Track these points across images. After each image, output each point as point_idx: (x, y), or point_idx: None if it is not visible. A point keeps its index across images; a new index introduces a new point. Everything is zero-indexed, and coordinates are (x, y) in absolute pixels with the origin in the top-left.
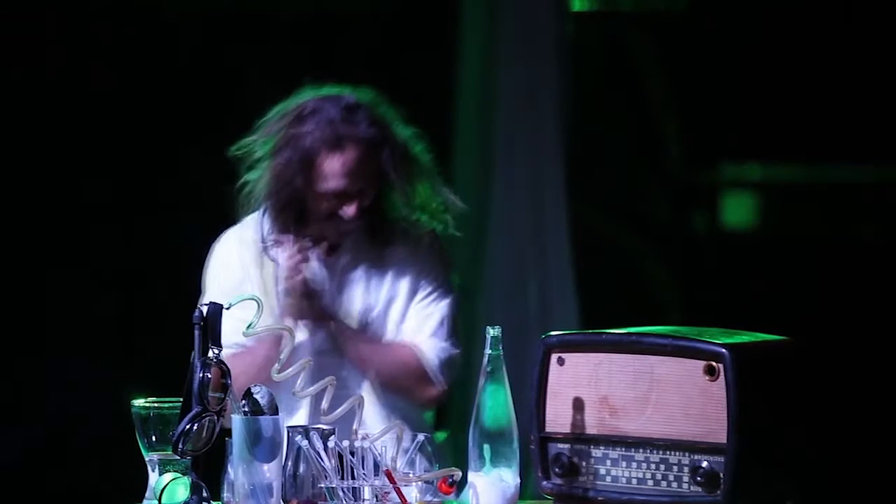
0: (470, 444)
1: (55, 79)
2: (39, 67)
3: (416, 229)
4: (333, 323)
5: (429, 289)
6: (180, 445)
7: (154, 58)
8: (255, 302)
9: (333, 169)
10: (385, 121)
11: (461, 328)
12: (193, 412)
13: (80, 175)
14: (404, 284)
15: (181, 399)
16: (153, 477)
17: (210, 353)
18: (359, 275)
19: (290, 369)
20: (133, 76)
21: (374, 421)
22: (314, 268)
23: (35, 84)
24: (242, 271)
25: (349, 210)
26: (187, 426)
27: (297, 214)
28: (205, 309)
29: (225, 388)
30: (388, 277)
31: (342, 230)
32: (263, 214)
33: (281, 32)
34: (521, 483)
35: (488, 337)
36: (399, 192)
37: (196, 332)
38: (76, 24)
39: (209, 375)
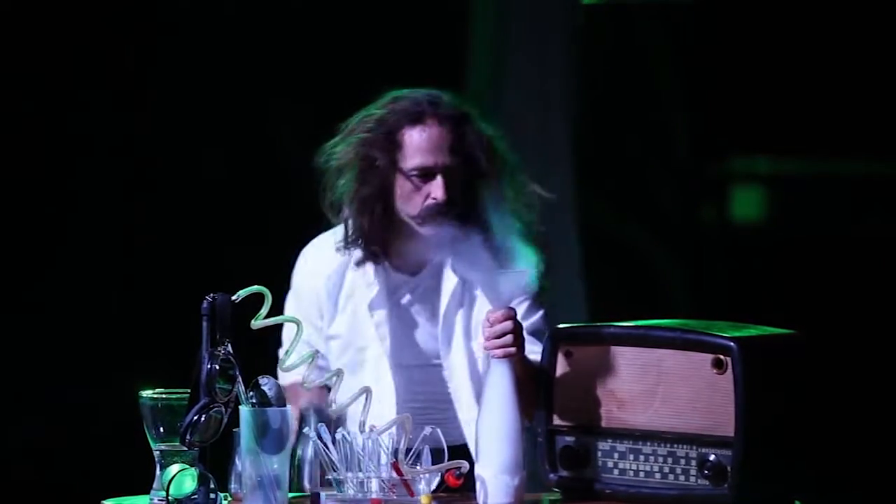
0: (477, 437)
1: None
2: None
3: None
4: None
5: (521, 308)
6: (188, 437)
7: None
8: (294, 325)
9: (416, 143)
10: (468, 110)
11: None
12: (201, 403)
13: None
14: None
15: (189, 390)
16: (160, 468)
17: (217, 345)
18: (448, 299)
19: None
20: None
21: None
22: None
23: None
24: (328, 280)
25: (437, 192)
26: (195, 417)
27: (383, 209)
28: (213, 300)
29: (232, 379)
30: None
31: (432, 220)
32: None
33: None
34: (527, 475)
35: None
36: (488, 185)
37: (204, 324)
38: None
39: (217, 367)
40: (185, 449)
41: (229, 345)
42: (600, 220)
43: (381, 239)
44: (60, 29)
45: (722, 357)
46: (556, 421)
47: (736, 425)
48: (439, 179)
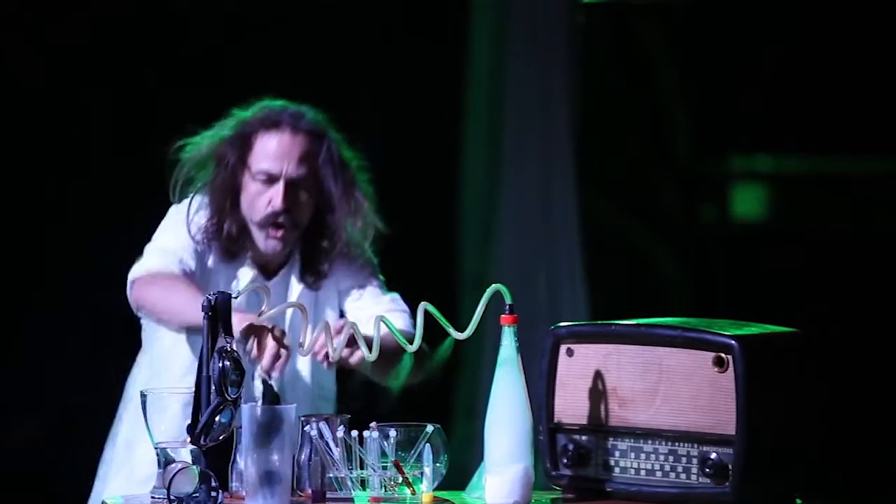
0: (486, 435)
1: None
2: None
3: (351, 257)
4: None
5: (366, 289)
6: (203, 439)
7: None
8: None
9: (266, 148)
10: (329, 132)
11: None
12: (215, 404)
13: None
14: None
15: (189, 387)
16: (161, 466)
17: (223, 343)
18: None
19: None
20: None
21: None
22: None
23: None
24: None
25: (277, 199)
26: (211, 419)
27: (233, 208)
28: (213, 298)
29: (240, 377)
30: (330, 293)
31: (269, 227)
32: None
33: (286, 27)
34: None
35: (504, 329)
36: (339, 211)
37: (204, 322)
38: None
39: (228, 364)
40: (188, 446)
41: (232, 342)
42: (601, 219)
43: (234, 237)
44: (59, 29)
45: (723, 355)
46: (558, 419)
47: (737, 424)
48: (280, 186)
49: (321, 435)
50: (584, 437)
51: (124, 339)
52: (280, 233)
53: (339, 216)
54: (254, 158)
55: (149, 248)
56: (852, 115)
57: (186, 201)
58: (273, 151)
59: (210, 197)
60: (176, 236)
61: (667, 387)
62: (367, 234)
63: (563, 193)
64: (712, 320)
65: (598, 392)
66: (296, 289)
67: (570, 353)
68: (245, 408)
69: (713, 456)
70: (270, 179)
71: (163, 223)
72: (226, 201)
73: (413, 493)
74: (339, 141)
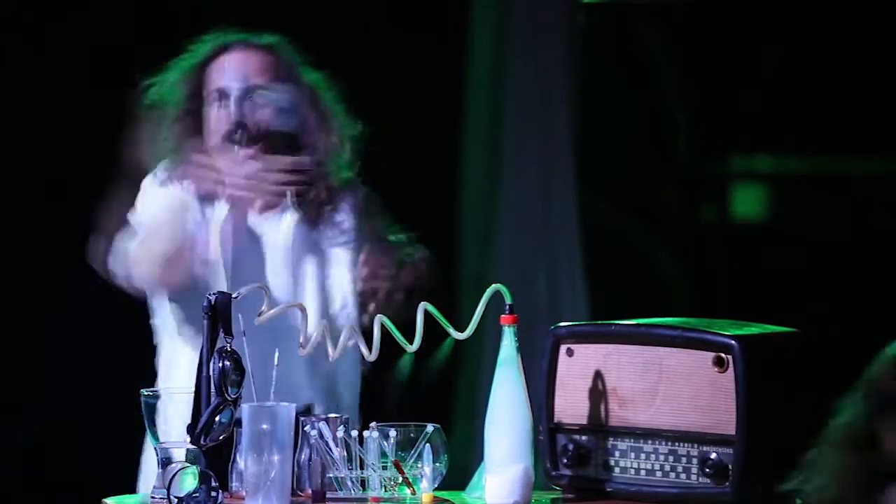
0: (486, 435)
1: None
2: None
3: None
4: None
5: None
6: (203, 439)
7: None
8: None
9: (218, 67)
10: (281, 48)
11: None
12: (215, 404)
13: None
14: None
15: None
16: (161, 466)
17: (223, 343)
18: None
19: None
20: None
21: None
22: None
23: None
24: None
25: (227, 116)
26: (211, 419)
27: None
28: (213, 298)
29: (240, 376)
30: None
31: (230, 144)
32: None
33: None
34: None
35: (504, 329)
36: (306, 127)
37: (205, 322)
38: None
39: (228, 364)
40: (187, 447)
41: (231, 342)
42: (601, 219)
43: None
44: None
45: (723, 355)
46: (558, 419)
47: (737, 424)
48: (230, 101)
49: (321, 435)
50: (584, 437)
51: (124, 339)
52: (240, 152)
53: (308, 133)
54: (206, 84)
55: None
56: (852, 115)
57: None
58: (223, 70)
59: (177, 137)
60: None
61: (667, 387)
62: (343, 145)
63: (563, 193)
64: (712, 320)
65: (598, 392)
66: (288, 222)
67: (570, 353)
68: (245, 408)
69: (713, 456)
70: (221, 96)
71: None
72: (196, 138)
73: (413, 493)
74: (297, 60)
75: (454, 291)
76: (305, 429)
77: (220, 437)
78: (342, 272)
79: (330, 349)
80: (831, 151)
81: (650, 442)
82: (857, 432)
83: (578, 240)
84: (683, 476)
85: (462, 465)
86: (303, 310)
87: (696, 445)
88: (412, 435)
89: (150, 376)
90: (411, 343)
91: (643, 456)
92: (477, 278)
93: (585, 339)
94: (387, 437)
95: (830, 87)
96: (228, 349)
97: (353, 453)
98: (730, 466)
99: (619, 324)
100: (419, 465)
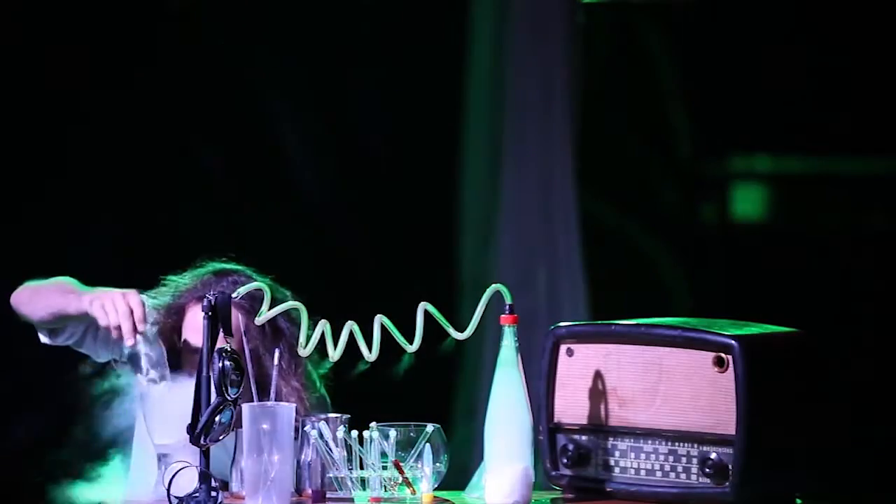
0: (486, 435)
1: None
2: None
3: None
4: None
5: None
6: (203, 439)
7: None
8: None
9: (193, 322)
10: (255, 303)
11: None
12: (215, 404)
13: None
14: None
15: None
16: (160, 465)
17: (223, 343)
18: None
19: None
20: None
21: None
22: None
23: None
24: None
25: None
26: (211, 419)
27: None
28: (213, 298)
29: (240, 376)
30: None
31: None
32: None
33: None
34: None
35: (504, 329)
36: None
37: (205, 322)
38: None
39: (228, 364)
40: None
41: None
42: (601, 219)
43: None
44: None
45: (723, 355)
46: (558, 419)
47: (737, 423)
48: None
49: (321, 435)
50: (584, 437)
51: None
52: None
53: (279, 384)
54: (185, 330)
55: None
56: (852, 115)
57: None
58: (196, 326)
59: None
60: None
61: (667, 387)
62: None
63: (563, 193)
64: (712, 320)
65: (598, 392)
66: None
67: (570, 353)
68: (245, 407)
69: (713, 456)
70: (195, 351)
71: None
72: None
73: (413, 493)
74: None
75: (454, 291)
76: (305, 429)
77: (220, 437)
78: None
79: (330, 349)
80: (831, 151)
81: (650, 442)
82: None
83: (578, 239)
84: (683, 476)
85: (462, 465)
86: (303, 310)
87: (696, 445)
88: (412, 435)
89: None
90: (411, 343)
91: (643, 456)
92: (477, 278)
93: (585, 339)
94: (387, 437)
95: (830, 88)
96: (228, 349)
97: (354, 453)
98: (730, 466)
99: (619, 324)
100: (419, 465)
